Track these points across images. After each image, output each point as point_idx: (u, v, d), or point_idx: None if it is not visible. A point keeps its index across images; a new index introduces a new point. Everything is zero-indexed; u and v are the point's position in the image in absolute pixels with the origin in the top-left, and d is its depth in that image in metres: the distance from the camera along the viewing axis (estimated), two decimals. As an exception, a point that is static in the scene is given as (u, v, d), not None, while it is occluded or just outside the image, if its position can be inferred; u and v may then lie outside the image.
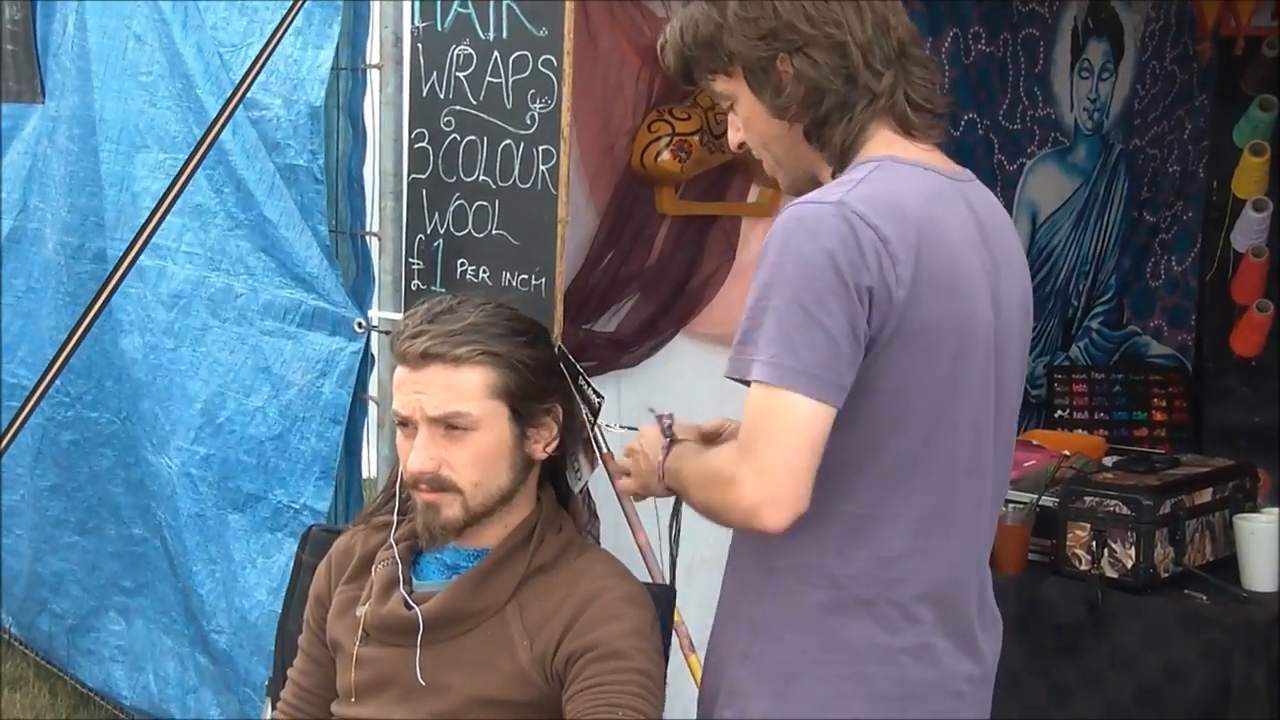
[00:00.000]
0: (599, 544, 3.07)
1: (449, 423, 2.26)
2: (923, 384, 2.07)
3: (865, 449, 2.06)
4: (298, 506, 3.52)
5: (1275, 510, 3.73)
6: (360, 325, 3.38)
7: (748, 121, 2.22)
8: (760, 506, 1.99)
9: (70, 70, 4.39)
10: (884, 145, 2.16)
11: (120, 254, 3.66)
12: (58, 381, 4.32)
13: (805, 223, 2.01)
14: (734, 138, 2.27)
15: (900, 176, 2.11)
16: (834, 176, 2.17)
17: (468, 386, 2.27)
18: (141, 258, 3.88)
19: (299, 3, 3.20)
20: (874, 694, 2.13)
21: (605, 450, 2.97)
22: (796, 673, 2.14)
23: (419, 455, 2.27)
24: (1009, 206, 4.93)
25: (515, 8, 3.05)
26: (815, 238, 1.99)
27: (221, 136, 3.60)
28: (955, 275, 2.08)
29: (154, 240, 3.85)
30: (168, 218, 3.83)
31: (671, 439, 2.26)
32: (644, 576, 2.65)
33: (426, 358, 2.27)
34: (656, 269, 3.74)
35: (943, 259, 2.06)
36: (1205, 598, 3.52)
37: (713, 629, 2.29)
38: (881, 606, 2.12)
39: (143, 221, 3.77)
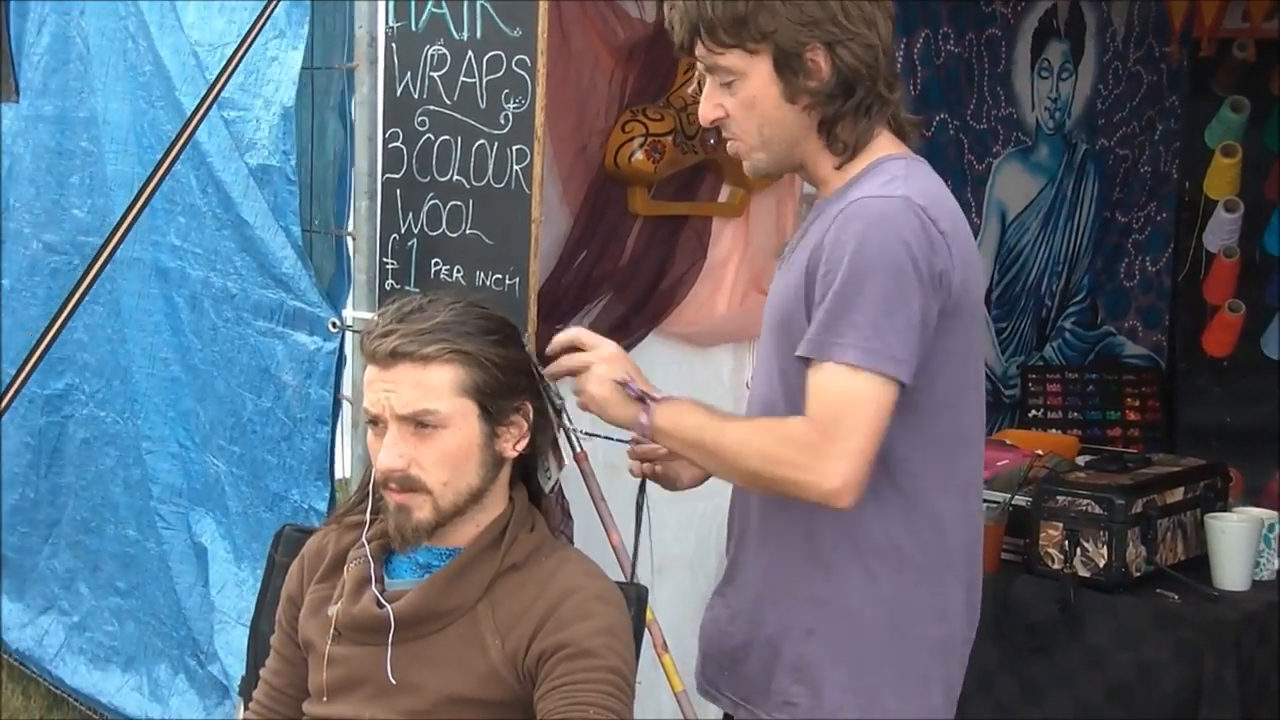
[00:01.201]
0: (572, 544, 3.07)
1: (418, 420, 2.26)
2: (967, 365, 2.24)
3: (926, 428, 2.19)
4: (307, 508, 3.53)
5: (1246, 510, 3.76)
6: (334, 325, 3.38)
7: (751, 100, 2.23)
8: (844, 490, 2.11)
9: (49, 70, 4.38)
10: (889, 146, 2.27)
11: (126, 253, 3.69)
12: (75, 379, 4.36)
13: (879, 215, 2.11)
14: (710, 113, 2.28)
15: (930, 175, 2.25)
16: (837, 169, 2.26)
17: (437, 385, 2.27)
18: (164, 258, 3.92)
19: (273, 4, 3.20)
20: (930, 652, 2.29)
21: (578, 450, 2.98)
22: (869, 642, 2.25)
23: (388, 453, 2.27)
24: (980, 206, 4.98)
25: (489, 8, 3.06)
26: (891, 229, 2.10)
27: (202, 137, 3.61)
28: (976, 265, 2.26)
29: (172, 241, 3.89)
30: (178, 219, 3.87)
31: (645, 396, 2.31)
32: (617, 576, 2.65)
33: (395, 356, 2.27)
34: (629, 269, 3.74)
35: (971, 249, 2.23)
36: (1177, 597, 3.54)
37: (744, 609, 2.36)
38: (938, 571, 2.28)
39: (149, 220, 3.81)
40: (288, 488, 3.63)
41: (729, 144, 2.31)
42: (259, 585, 3.73)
